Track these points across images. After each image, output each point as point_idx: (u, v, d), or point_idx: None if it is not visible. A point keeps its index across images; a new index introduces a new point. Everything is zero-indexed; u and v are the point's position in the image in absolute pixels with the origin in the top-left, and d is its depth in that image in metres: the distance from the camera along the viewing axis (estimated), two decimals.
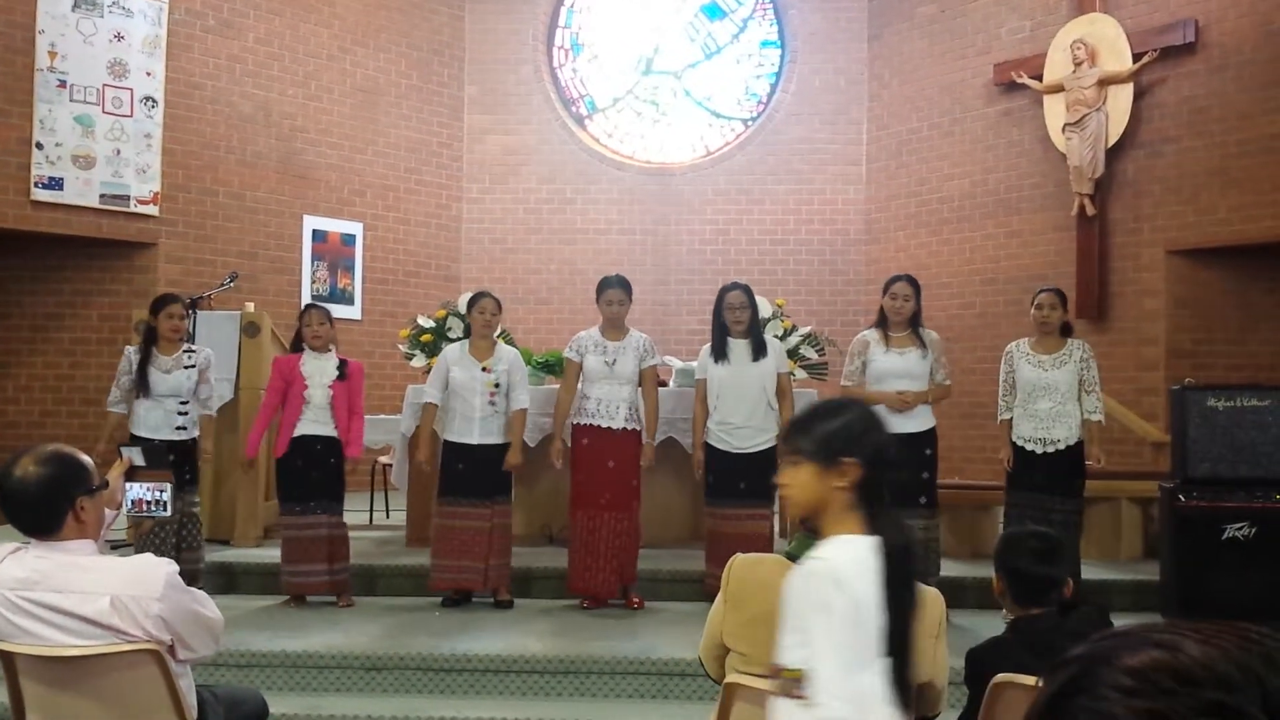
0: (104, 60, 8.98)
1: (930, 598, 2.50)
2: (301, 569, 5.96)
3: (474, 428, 5.97)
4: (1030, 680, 2.69)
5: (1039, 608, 3.00)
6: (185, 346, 6.04)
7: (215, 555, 6.50)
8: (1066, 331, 5.90)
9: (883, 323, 5.86)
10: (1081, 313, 9.20)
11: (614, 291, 6.07)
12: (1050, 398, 5.73)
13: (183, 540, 5.89)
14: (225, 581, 6.32)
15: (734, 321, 5.92)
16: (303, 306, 6.32)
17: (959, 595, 5.82)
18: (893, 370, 5.76)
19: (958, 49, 10.35)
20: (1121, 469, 7.37)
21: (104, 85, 8.97)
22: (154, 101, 9.22)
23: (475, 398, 5.96)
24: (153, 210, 9.22)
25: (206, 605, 2.84)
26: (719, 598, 2.59)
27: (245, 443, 6.24)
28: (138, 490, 3.65)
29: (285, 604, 6.01)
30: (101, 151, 8.95)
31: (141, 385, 5.89)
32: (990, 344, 9.05)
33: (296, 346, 6.14)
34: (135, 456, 3.76)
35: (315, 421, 5.99)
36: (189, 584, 2.85)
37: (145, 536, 5.75)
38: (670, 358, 7.39)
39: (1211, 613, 5.38)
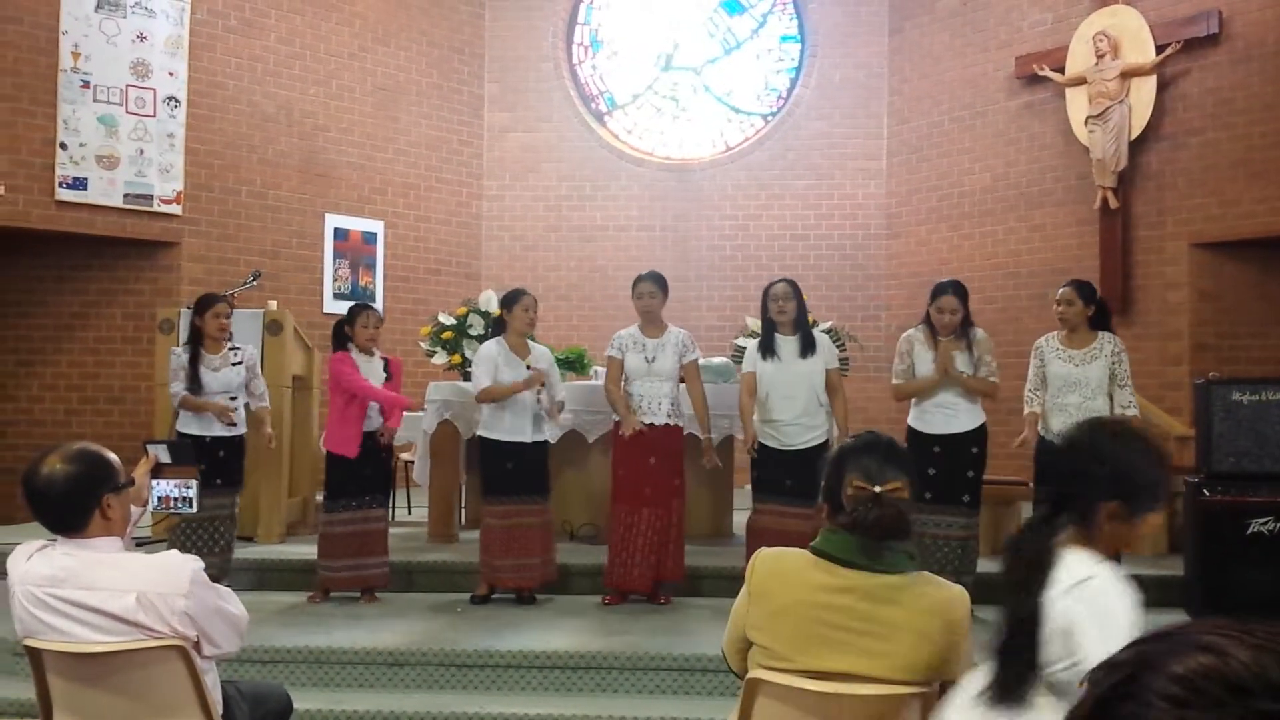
0: (127, 60, 9.04)
1: (956, 594, 2.49)
2: (345, 563, 5.97)
3: (528, 426, 5.99)
4: None
5: None
6: (229, 344, 6.09)
7: (239, 552, 6.53)
8: (1100, 325, 5.83)
9: (927, 322, 5.82)
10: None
11: (645, 284, 6.08)
12: (1080, 392, 5.68)
13: (221, 538, 5.93)
14: (249, 578, 6.36)
15: (778, 312, 5.87)
16: (350, 307, 6.30)
17: (983, 591, 5.79)
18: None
19: (979, 42, 10.29)
20: None
21: (127, 85, 9.02)
22: (177, 101, 9.27)
23: (527, 396, 5.98)
24: (176, 209, 9.27)
25: (231, 602, 2.86)
26: (743, 591, 2.58)
27: (336, 443, 6.08)
28: (164, 487, 3.66)
29: (310, 600, 6.04)
30: (125, 151, 9.00)
31: (195, 385, 5.93)
32: (1013, 339, 9.00)
33: (340, 344, 6.12)
34: (161, 454, 3.78)
35: (373, 422, 6.08)
36: (214, 581, 2.87)
37: (189, 534, 5.77)
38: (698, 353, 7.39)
39: (1236, 608, 5.36)
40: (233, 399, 6.03)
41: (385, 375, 6.11)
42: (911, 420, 5.79)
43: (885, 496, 2.43)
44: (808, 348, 5.85)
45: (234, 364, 6.04)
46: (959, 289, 5.76)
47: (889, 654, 2.41)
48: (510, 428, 5.98)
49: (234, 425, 6.03)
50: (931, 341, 5.74)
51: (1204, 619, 0.82)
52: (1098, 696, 0.80)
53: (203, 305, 6.07)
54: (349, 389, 5.99)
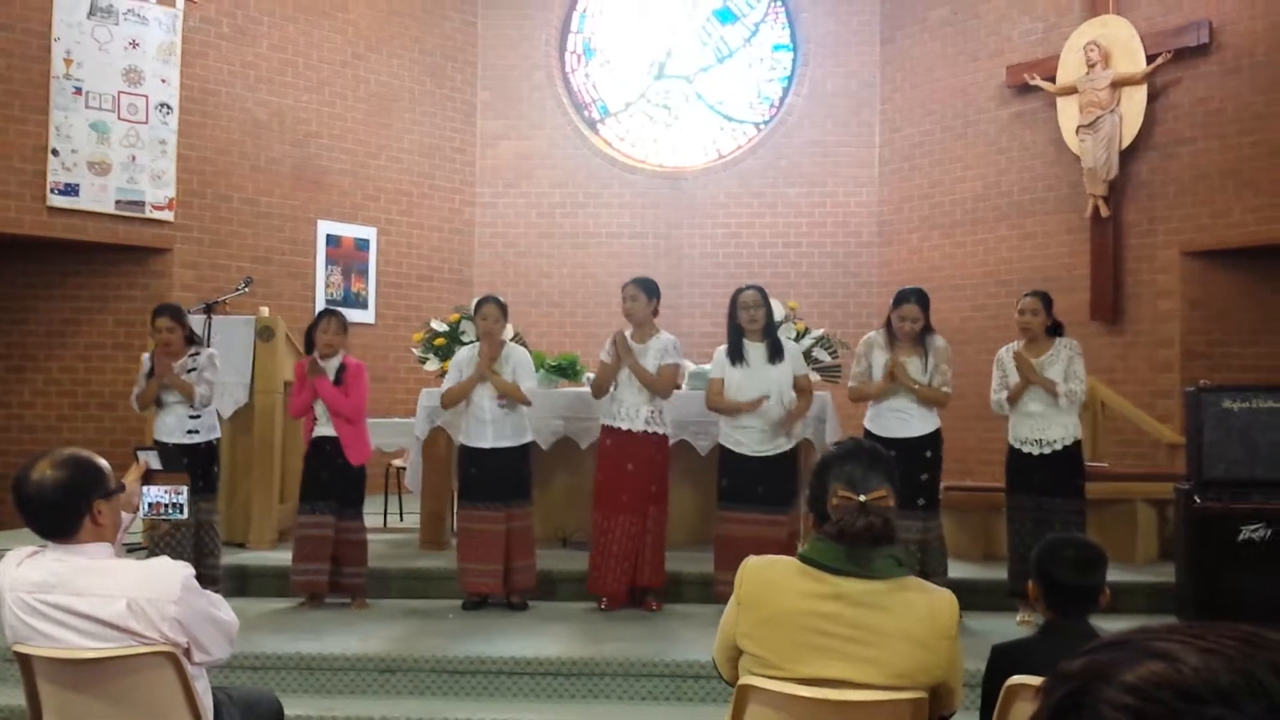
0: (119, 67, 9.03)
1: (944, 599, 2.50)
2: (303, 567, 6.01)
3: (487, 431, 5.98)
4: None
5: (1073, 617, 3.00)
6: (190, 350, 6.05)
7: (230, 558, 6.52)
8: (1056, 332, 5.88)
9: (887, 328, 5.86)
10: (1096, 315, 9.18)
11: (628, 288, 6.09)
12: (1041, 399, 5.74)
13: (201, 546, 5.91)
14: (240, 584, 6.35)
15: (749, 320, 5.89)
16: (318, 310, 6.34)
17: (971, 597, 5.81)
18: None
19: (970, 51, 10.33)
20: (1136, 471, 7.34)
21: (119, 92, 9.02)
22: (169, 108, 9.26)
23: (485, 400, 5.98)
24: (168, 216, 9.26)
25: (222, 608, 2.86)
26: (732, 599, 2.58)
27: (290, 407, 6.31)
28: (155, 493, 3.65)
29: (300, 606, 6.03)
30: (117, 158, 8.99)
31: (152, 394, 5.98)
32: (1004, 346, 9.03)
33: (310, 348, 6.18)
34: (152, 460, 3.77)
35: (324, 426, 6.07)
36: (205, 589, 2.86)
37: (161, 541, 5.78)
38: (684, 361, 7.39)
39: (1228, 615, 5.37)
40: (194, 408, 6.00)
41: (335, 380, 6.06)
42: (867, 423, 5.85)
43: (870, 505, 2.44)
44: (775, 354, 5.87)
45: (190, 370, 5.99)
46: (921, 297, 5.82)
47: (879, 660, 2.41)
48: (473, 433, 6.00)
49: (195, 433, 5.99)
50: (889, 346, 5.78)
51: (1157, 625, 0.81)
52: (1050, 707, 0.79)
53: (152, 318, 6.07)
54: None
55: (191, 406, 5.99)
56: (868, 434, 5.76)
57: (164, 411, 6.00)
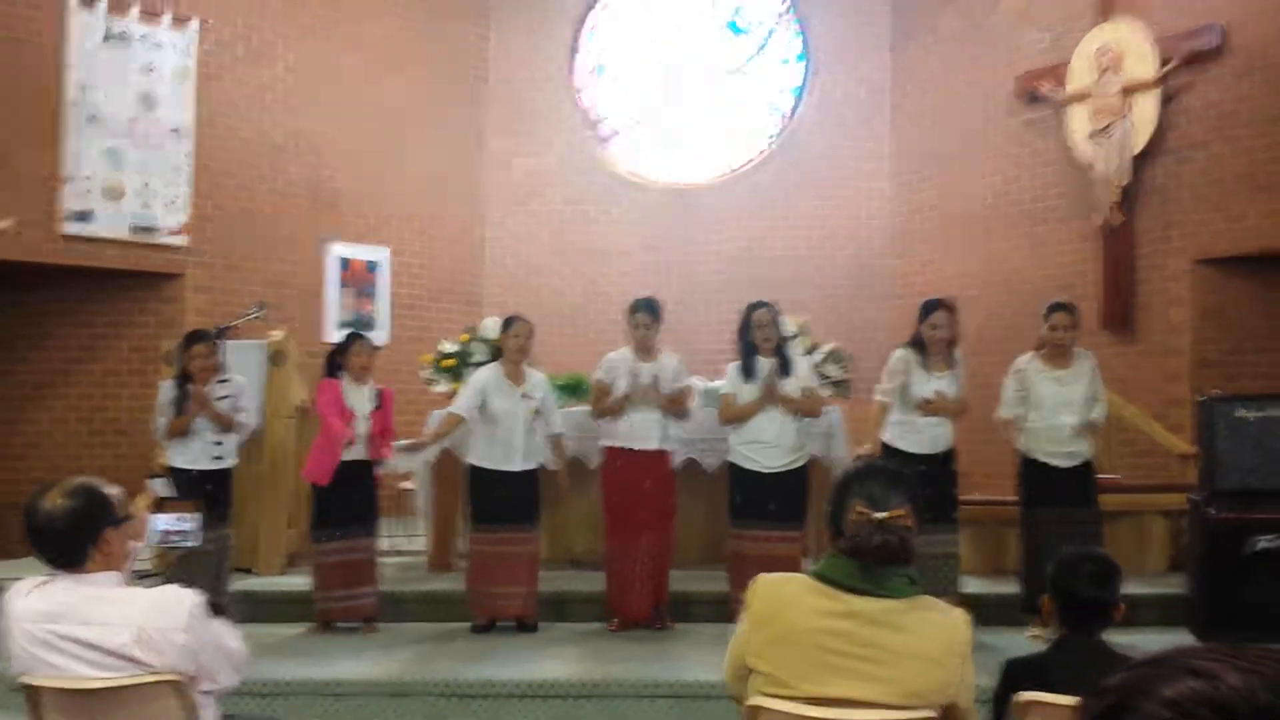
0: (134, 92, 9.08)
1: (957, 617, 2.48)
2: (341, 593, 5.98)
3: (517, 455, 5.98)
4: (1059, 700, 2.66)
5: (1089, 632, 2.98)
6: (219, 377, 6.08)
7: (238, 584, 6.53)
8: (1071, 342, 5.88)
9: (917, 343, 5.81)
10: (1108, 324, 9.11)
11: (641, 315, 6.08)
12: (1071, 411, 5.70)
13: (221, 572, 5.93)
14: (248, 610, 6.33)
15: (763, 339, 5.90)
16: (346, 334, 6.32)
17: (981, 612, 5.77)
18: (934, 391, 5.74)
19: (981, 59, 10.30)
20: (1148, 482, 7.28)
21: (133, 118, 9.07)
22: (183, 133, 9.31)
23: (518, 424, 5.97)
24: (181, 241, 9.30)
25: (230, 636, 2.86)
26: (742, 617, 2.57)
27: (310, 472, 6.17)
28: (165, 521, 3.67)
29: (310, 631, 6.03)
30: (131, 184, 9.04)
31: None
32: (1017, 355, 8.97)
33: (332, 371, 6.13)
34: (162, 488, 3.79)
35: (358, 451, 6.06)
36: (214, 615, 2.87)
37: (180, 569, 5.77)
38: (694, 379, 7.38)
39: (1241, 627, 5.32)
40: (220, 433, 6.02)
41: (374, 405, 6.07)
42: (894, 439, 5.78)
43: (887, 523, 2.42)
44: (786, 369, 5.87)
45: (220, 398, 6.01)
46: (949, 306, 5.80)
47: (891, 679, 2.40)
48: (502, 456, 5.98)
49: (220, 459, 6.01)
50: (925, 368, 5.74)
51: (1195, 645, 0.83)
52: None
53: (184, 345, 6.09)
54: (320, 414, 6.05)
55: (227, 432, 6.03)
56: (891, 449, 5.73)
57: (190, 437, 5.97)
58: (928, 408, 5.67)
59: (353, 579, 5.98)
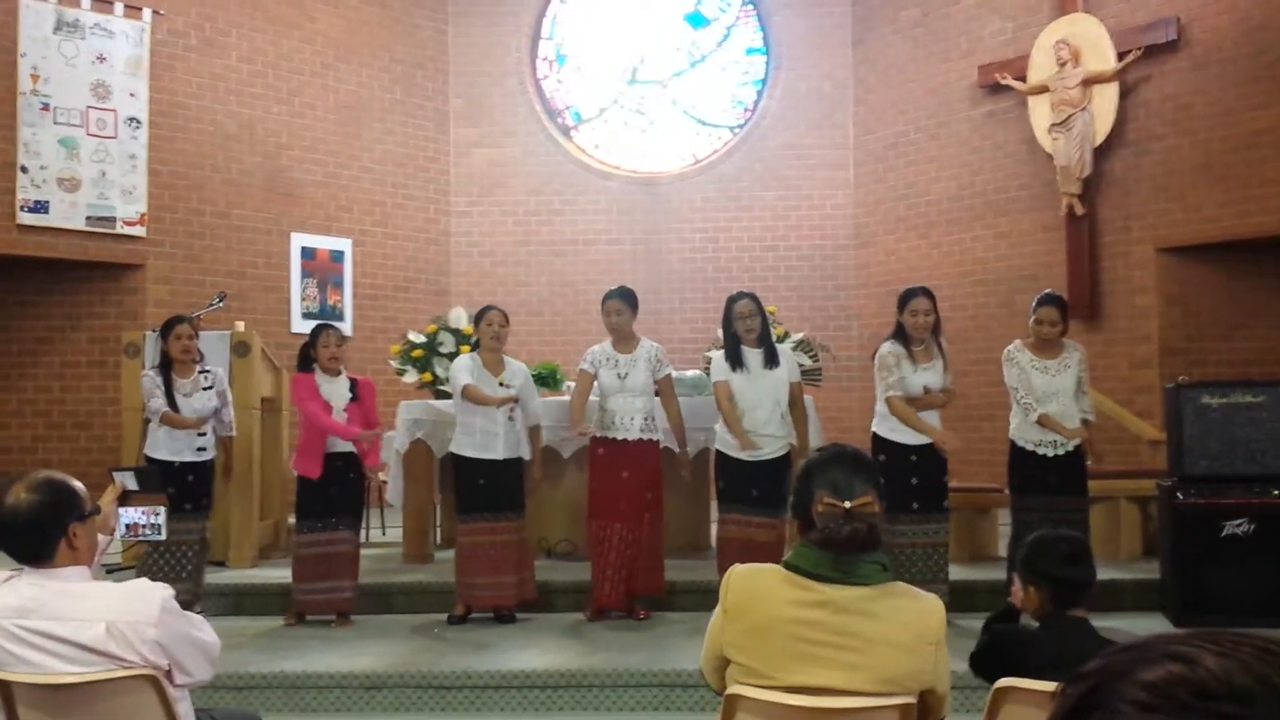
0: (87, 82, 8.96)
1: (930, 603, 2.48)
2: (317, 586, 5.92)
3: (499, 443, 5.95)
4: (1038, 686, 2.67)
5: (1077, 610, 3.00)
6: (200, 368, 6.03)
7: (211, 577, 6.46)
8: (1062, 333, 5.89)
9: (900, 335, 5.81)
10: (1073, 313, 9.16)
11: (612, 302, 6.07)
12: (1058, 401, 5.73)
13: (196, 565, 5.88)
14: (222, 603, 6.29)
15: (746, 330, 5.89)
16: (315, 326, 6.25)
17: (960, 599, 5.81)
18: (923, 385, 5.75)
19: (941, 52, 10.37)
20: (1119, 468, 7.37)
21: (87, 107, 8.95)
22: (138, 122, 9.19)
23: (498, 413, 5.94)
24: (140, 231, 9.19)
25: (203, 629, 2.82)
26: (718, 609, 2.56)
27: (298, 464, 6.09)
28: (132, 514, 3.60)
29: (285, 624, 5.97)
30: (86, 174, 8.92)
31: (171, 410, 5.88)
32: (983, 345, 9.07)
33: (305, 365, 6.05)
34: (128, 481, 3.72)
35: (340, 442, 5.98)
36: (185, 608, 2.82)
37: (157, 561, 5.70)
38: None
39: (1212, 610, 5.39)
40: (203, 422, 5.98)
41: (351, 396, 6.01)
42: (887, 432, 5.77)
43: (855, 511, 2.42)
44: (771, 359, 5.88)
45: (205, 388, 5.97)
46: (929, 292, 5.81)
47: (866, 666, 2.40)
48: (481, 444, 5.95)
49: (204, 450, 5.97)
50: (912, 359, 5.74)
51: (1173, 632, 0.84)
52: (1068, 707, 0.81)
53: (165, 328, 6.04)
54: (301, 412, 6.00)
55: (219, 428, 6.04)
56: (887, 442, 5.72)
57: (171, 431, 5.90)
58: (919, 402, 5.68)
59: (330, 572, 5.92)
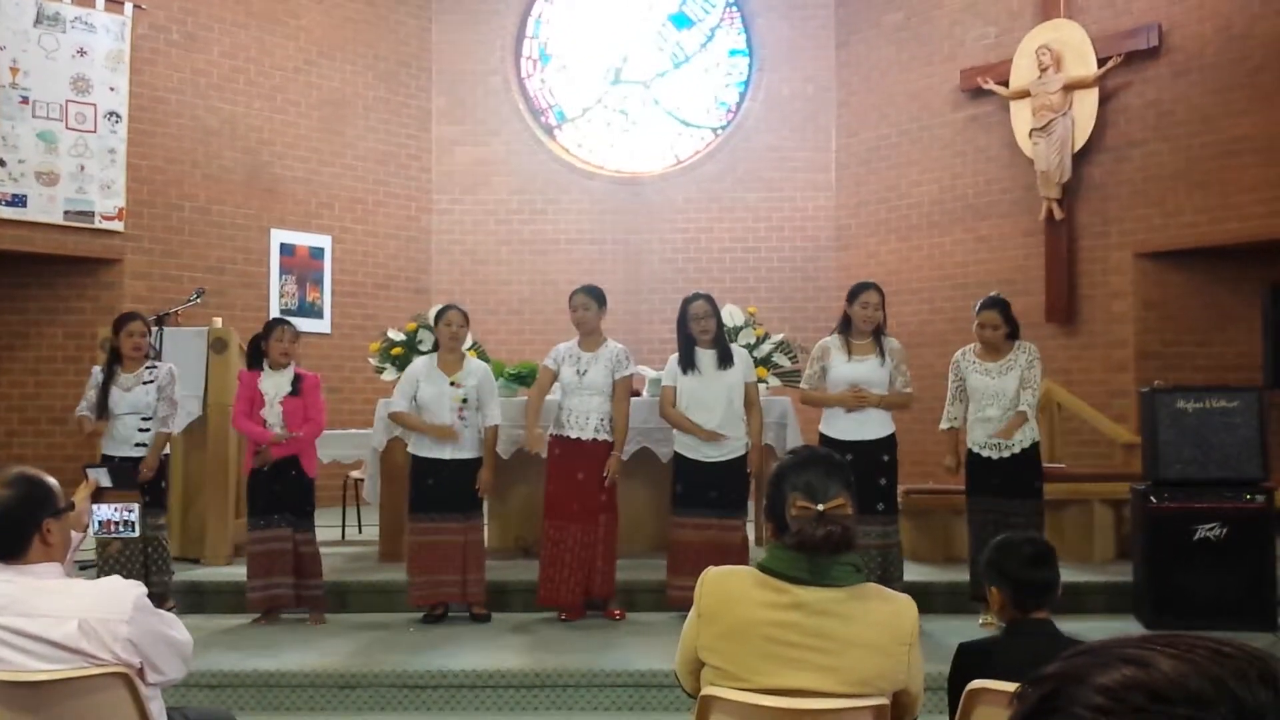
0: (67, 76, 8.90)
1: (903, 605, 2.49)
2: (263, 582, 5.91)
3: (447, 443, 5.93)
4: (1010, 687, 2.68)
5: (1040, 612, 3.02)
6: (148, 363, 6.01)
7: (185, 574, 6.43)
8: (1013, 335, 5.90)
9: (845, 329, 5.85)
10: (1051, 317, 9.27)
11: (578, 297, 6.06)
12: (999, 404, 5.75)
13: (150, 562, 5.84)
14: (195, 601, 6.26)
15: (700, 331, 5.92)
16: (269, 320, 6.25)
17: (930, 600, 5.83)
18: (851, 377, 5.73)
19: (924, 56, 10.40)
20: (1093, 471, 7.41)
21: (67, 101, 8.89)
22: (118, 117, 9.14)
23: (444, 413, 5.92)
24: (118, 226, 9.13)
25: (175, 627, 2.80)
26: (693, 611, 2.56)
27: (243, 464, 6.19)
28: (105, 511, 3.60)
29: (256, 622, 5.95)
30: (65, 168, 8.86)
31: (101, 405, 5.90)
32: (961, 349, 9.08)
33: (256, 360, 6.06)
34: (102, 478, 3.71)
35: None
36: (157, 605, 2.81)
37: (111, 559, 5.69)
38: (643, 368, 7.37)
39: (1184, 613, 5.43)
40: (145, 419, 5.96)
41: (291, 390, 5.98)
42: (822, 427, 5.84)
43: (829, 513, 2.43)
44: (725, 360, 5.89)
45: (145, 383, 5.95)
46: (880, 288, 5.85)
47: (840, 668, 2.40)
48: (430, 443, 5.95)
49: (143, 446, 5.93)
50: (846, 348, 5.77)
51: (1131, 635, 0.85)
52: (1025, 710, 0.82)
53: (118, 324, 6.04)
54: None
55: (150, 419, 5.96)
56: (823, 438, 5.76)
57: (113, 422, 5.92)
58: (854, 400, 5.67)
59: (270, 569, 5.89)
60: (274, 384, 5.99)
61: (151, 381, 5.96)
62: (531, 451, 6.13)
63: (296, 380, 6.02)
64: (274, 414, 5.94)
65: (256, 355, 6.05)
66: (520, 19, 11.50)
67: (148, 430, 5.95)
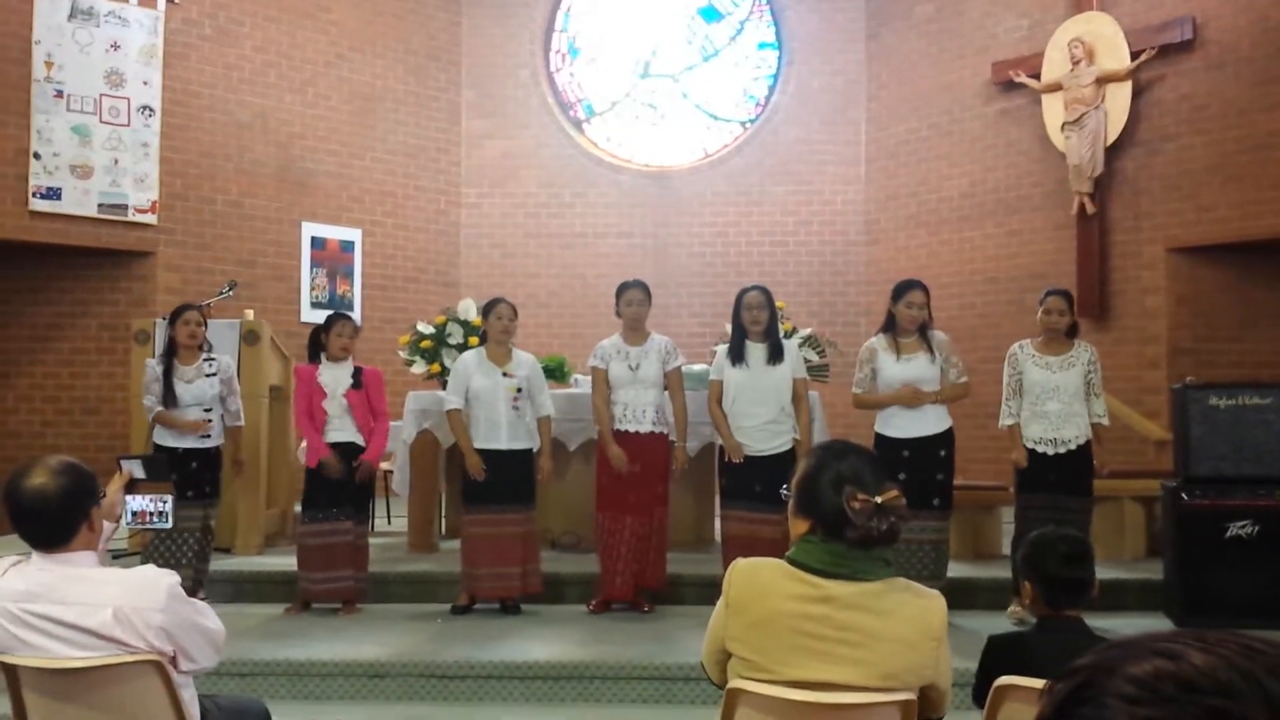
0: (101, 70, 8.99)
1: (933, 601, 2.48)
2: (319, 575, 5.95)
3: (501, 433, 5.96)
4: (1038, 684, 2.67)
5: (1072, 610, 3.01)
6: (205, 355, 6.06)
7: (217, 564, 6.49)
8: (1073, 333, 5.85)
9: (890, 328, 5.80)
10: (1083, 311, 9.16)
11: (633, 292, 6.07)
12: (1058, 399, 5.70)
13: (204, 550, 5.92)
14: (227, 590, 6.31)
15: (752, 322, 5.88)
16: (329, 314, 6.30)
17: (964, 597, 5.81)
18: (904, 378, 5.66)
19: (955, 49, 10.34)
20: (1125, 468, 7.35)
21: (101, 95, 8.97)
22: (151, 110, 9.22)
23: (500, 403, 5.95)
24: (151, 219, 9.22)
25: (208, 616, 2.83)
26: (720, 603, 2.57)
27: (303, 456, 6.21)
28: (139, 502, 3.63)
29: (287, 612, 6.00)
30: (99, 161, 8.95)
31: (169, 398, 5.91)
32: (992, 344, 9.04)
33: (315, 354, 6.11)
34: (135, 469, 3.74)
35: (337, 430, 6.02)
36: (190, 594, 2.84)
37: (158, 546, 5.73)
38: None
39: (1215, 612, 5.39)
40: (207, 410, 6.00)
41: (352, 383, 6.05)
42: (879, 426, 5.79)
43: (887, 505, 2.42)
44: (776, 354, 5.87)
45: (208, 375, 6.00)
46: (925, 287, 5.80)
47: (868, 662, 2.40)
48: (486, 435, 5.96)
49: (208, 437, 6.00)
50: (894, 347, 5.73)
51: (1162, 630, 0.88)
52: (1057, 703, 0.83)
53: (174, 315, 6.08)
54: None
55: (226, 417, 6.09)
56: (879, 437, 5.71)
57: (177, 415, 5.95)
58: (912, 397, 5.64)
59: (332, 562, 5.95)
60: (334, 376, 6.05)
61: (214, 374, 6.02)
62: (613, 458, 6.03)
63: (356, 373, 6.09)
64: (335, 406, 5.99)
65: (315, 347, 6.11)
66: (549, 12, 11.52)
67: (210, 421, 6.01)
